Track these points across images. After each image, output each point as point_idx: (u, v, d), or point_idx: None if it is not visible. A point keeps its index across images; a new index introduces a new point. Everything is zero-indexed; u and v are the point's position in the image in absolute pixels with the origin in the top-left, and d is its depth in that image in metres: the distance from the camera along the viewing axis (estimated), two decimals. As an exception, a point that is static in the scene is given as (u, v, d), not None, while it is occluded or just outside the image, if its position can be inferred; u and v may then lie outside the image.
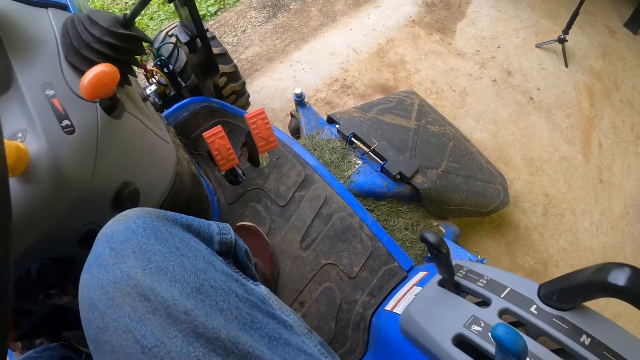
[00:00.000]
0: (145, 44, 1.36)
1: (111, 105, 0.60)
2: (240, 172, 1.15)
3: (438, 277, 0.70)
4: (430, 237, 0.59)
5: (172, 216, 0.48)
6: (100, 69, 0.53)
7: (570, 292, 0.52)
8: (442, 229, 1.27)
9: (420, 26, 2.03)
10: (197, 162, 1.15)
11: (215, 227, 0.53)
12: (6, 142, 0.44)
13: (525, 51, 2.00)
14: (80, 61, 0.59)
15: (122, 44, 0.61)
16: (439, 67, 1.89)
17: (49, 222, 0.51)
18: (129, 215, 0.44)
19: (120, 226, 0.43)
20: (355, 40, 1.94)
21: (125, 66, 0.66)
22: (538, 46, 2.02)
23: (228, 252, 0.53)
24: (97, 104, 0.58)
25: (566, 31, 1.92)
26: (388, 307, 0.89)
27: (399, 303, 0.85)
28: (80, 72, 0.58)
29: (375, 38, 1.95)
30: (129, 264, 0.39)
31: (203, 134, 1.00)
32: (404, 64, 1.87)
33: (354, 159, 1.29)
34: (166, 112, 1.15)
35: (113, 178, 0.59)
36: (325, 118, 1.40)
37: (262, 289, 0.49)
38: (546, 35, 2.02)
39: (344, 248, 1.02)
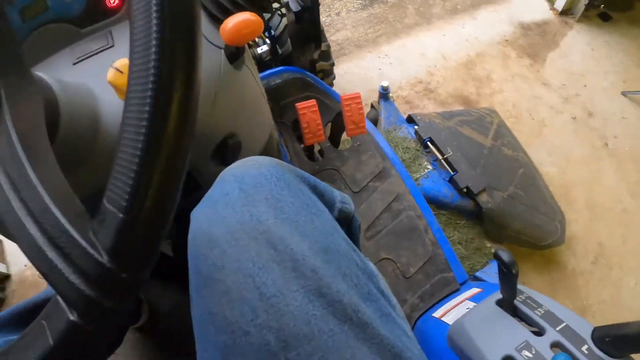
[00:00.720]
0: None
1: (235, 54, 0.58)
2: (316, 150, 1.17)
3: (496, 296, 0.71)
4: (505, 256, 0.59)
5: (300, 173, 0.46)
6: (246, 17, 0.51)
7: (625, 340, 0.53)
8: (493, 252, 1.27)
9: (512, 47, 2.01)
10: (280, 131, 1.17)
11: (337, 194, 0.51)
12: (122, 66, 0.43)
13: (610, 95, 1.95)
14: (212, 5, 0.59)
15: None
16: (523, 92, 1.87)
17: None
18: (261, 162, 0.43)
19: (252, 170, 0.41)
20: (447, 46, 1.93)
21: None
22: (624, 94, 1.96)
23: (344, 222, 0.51)
24: (222, 50, 0.57)
25: (656, 85, 1.86)
26: (436, 315, 0.90)
27: (449, 313, 0.87)
28: (209, 15, 0.59)
29: (466, 49, 1.94)
30: (261, 210, 0.37)
31: (297, 104, 1.00)
32: (489, 81, 1.86)
33: (425, 163, 1.31)
34: (260, 75, 1.16)
35: (222, 126, 0.59)
36: (404, 116, 1.42)
37: (372, 265, 0.47)
38: (634, 85, 1.96)
39: (405, 247, 1.02)
